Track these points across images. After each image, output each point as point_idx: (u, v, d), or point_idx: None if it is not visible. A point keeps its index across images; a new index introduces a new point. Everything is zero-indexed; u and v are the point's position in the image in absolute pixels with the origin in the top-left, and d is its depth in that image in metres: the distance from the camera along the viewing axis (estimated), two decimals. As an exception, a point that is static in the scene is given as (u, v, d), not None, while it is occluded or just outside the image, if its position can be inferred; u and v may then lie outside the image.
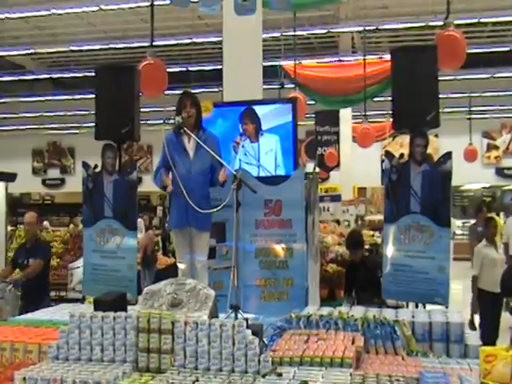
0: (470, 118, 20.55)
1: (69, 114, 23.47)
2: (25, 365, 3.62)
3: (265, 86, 7.74)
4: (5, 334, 4.16)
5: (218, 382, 3.17)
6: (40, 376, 3.28)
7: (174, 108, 5.36)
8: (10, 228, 12.79)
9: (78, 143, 26.81)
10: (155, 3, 8.87)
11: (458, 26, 8.38)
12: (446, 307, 5.20)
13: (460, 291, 10.41)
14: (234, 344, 3.38)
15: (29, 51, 17.27)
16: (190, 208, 5.03)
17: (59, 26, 16.81)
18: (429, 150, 5.69)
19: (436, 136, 20.43)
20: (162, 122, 5.31)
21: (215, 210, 4.99)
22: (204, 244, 5.33)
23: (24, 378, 3.30)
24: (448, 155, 5.48)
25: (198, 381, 3.19)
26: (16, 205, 22.78)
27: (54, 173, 29.06)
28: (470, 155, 18.98)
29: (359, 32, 15.68)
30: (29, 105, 22.86)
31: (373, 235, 11.35)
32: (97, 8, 13.28)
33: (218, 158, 5.12)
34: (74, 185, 15.94)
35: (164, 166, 5.27)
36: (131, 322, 3.57)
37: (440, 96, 5.66)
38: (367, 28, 14.43)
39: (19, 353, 3.90)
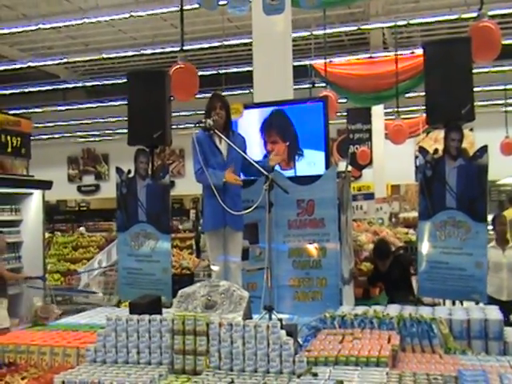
0: (506, 111, 20.13)
1: (102, 120, 23.77)
2: (64, 368, 3.68)
3: (295, 86, 7.71)
4: (44, 338, 4.25)
5: (253, 383, 3.17)
6: (78, 379, 3.33)
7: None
8: (47, 235, 13.03)
9: (112, 149, 27.11)
10: (184, 8, 8.94)
11: (492, 16, 8.23)
12: (484, 304, 5.10)
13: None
14: (268, 345, 3.38)
15: (62, 60, 17.53)
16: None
17: (91, 34, 17.03)
18: (464, 145, 5.60)
19: (471, 130, 20.10)
20: (193, 125, 5.31)
21: (248, 210, 4.99)
22: (238, 244, 5.36)
23: (63, 382, 3.35)
24: (484, 149, 5.37)
25: (233, 382, 3.20)
26: (53, 212, 23.16)
27: (88, 179, 29.44)
28: (507, 148, 18.59)
29: (390, 27, 15.53)
30: (63, 113, 23.21)
31: (407, 233, 11.21)
32: (127, 15, 13.41)
33: (250, 160, 5.14)
34: (109, 191, 16.11)
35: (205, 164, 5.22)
36: (166, 325, 3.60)
37: (475, 89, 5.56)
38: (398, 23, 14.27)
39: (58, 357, 3.98)
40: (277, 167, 5.81)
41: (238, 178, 5.22)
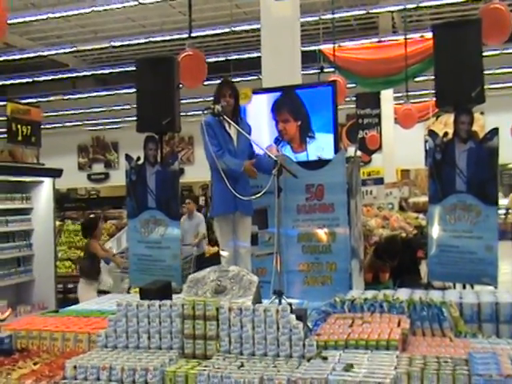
0: (516, 94, 20.02)
1: (111, 108, 23.80)
2: (75, 353, 3.71)
3: (304, 72, 7.68)
4: (56, 324, 4.27)
5: (263, 367, 3.18)
6: (90, 364, 3.35)
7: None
8: (57, 223, 13.08)
9: (122, 137, 27.17)
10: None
11: (503, -2, 8.12)
12: (495, 287, 5.09)
13: (508, 271, 10.11)
14: (278, 329, 3.38)
15: (71, 49, 17.56)
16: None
17: (99, 22, 17.04)
18: (475, 128, 5.56)
19: (482, 113, 19.97)
20: (201, 111, 5.30)
21: (258, 195, 4.97)
22: (247, 229, 5.38)
23: (75, 367, 3.37)
24: (494, 131, 5.32)
25: (243, 366, 3.20)
26: (63, 200, 23.24)
27: (98, 167, 29.56)
28: (518, 132, 18.44)
29: (399, 11, 15.39)
30: (72, 102, 23.29)
31: (417, 217, 11.15)
32: (136, 2, 13.37)
33: (259, 145, 5.16)
34: (119, 178, 16.16)
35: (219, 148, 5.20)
36: (176, 310, 3.61)
37: (485, 71, 5.51)
38: (408, 6, 14.14)
39: (70, 342, 4.00)
40: (288, 150, 5.80)
41: (255, 171, 5.21)
